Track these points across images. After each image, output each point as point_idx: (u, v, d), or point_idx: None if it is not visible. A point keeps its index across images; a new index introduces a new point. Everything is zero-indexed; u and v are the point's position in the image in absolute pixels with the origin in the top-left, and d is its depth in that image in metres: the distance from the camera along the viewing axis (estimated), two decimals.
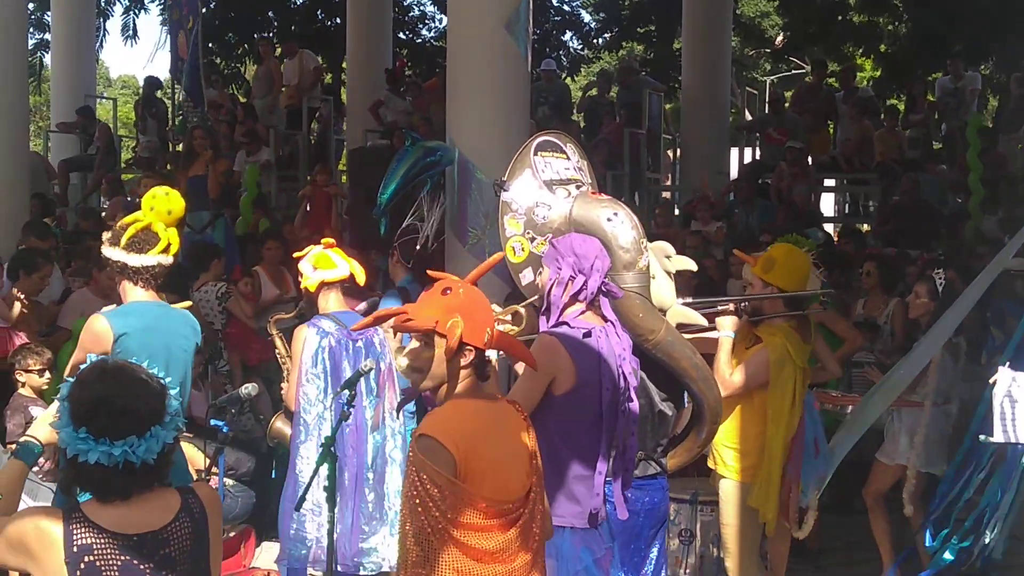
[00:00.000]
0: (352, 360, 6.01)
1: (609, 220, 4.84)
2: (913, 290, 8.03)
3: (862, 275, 9.53)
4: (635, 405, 4.54)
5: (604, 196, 5.08)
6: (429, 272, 3.90)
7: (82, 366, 5.08)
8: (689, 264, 5.53)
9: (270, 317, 6.87)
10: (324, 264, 6.11)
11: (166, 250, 5.21)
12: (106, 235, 5.30)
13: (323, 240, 6.27)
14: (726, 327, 6.09)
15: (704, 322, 5.65)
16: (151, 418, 3.08)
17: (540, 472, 3.73)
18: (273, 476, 7.36)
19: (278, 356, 6.57)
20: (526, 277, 5.00)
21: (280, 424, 6.36)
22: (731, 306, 6.17)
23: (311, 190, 13.89)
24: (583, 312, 4.53)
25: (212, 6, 25.96)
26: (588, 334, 4.45)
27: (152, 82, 19.22)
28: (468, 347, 3.60)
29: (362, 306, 6.85)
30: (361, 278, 6.25)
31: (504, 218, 5.02)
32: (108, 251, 5.22)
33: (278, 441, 6.50)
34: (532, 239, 4.96)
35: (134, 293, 5.23)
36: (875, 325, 9.15)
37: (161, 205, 5.23)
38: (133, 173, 16.29)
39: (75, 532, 3.00)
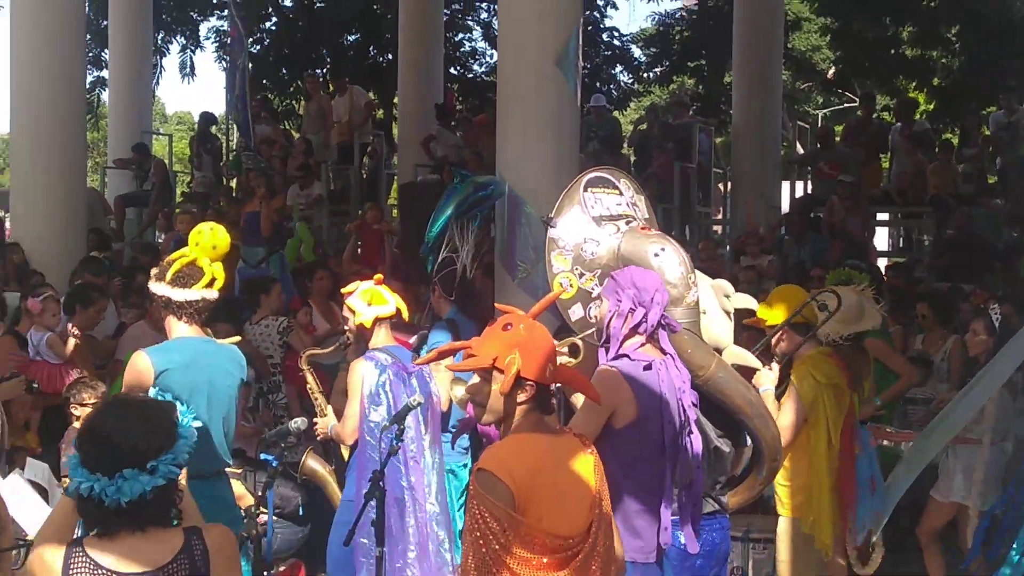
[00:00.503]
0: (408, 392, 6.00)
1: (656, 255, 4.84)
2: (970, 328, 7.93)
3: (917, 317, 9.42)
4: (697, 439, 4.52)
5: (653, 231, 5.08)
6: (497, 305, 3.91)
7: None
8: (750, 302, 5.52)
9: (302, 352, 6.90)
10: (377, 300, 6.14)
11: (211, 284, 5.23)
12: (153, 270, 5.35)
13: (375, 277, 6.30)
14: (765, 382, 6.10)
15: (758, 364, 5.63)
16: (128, 461, 3.04)
17: (606, 509, 3.70)
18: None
19: (309, 391, 6.57)
20: (575, 313, 5.00)
21: (311, 461, 6.37)
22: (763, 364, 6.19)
23: (359, 226, 13.90)
24: (642, 345, 4.52)
25: (266, 43, 26.31)
26: (649, 366, 4.43)
27: (207, 118, 19.46)
28: (528, 382, 3.62)
29: (412, 340, 6.87)
30: (407, 314, 6.30)
31: (551, 254, 5.03)
32: (154, 286, 5.27)
33: (308, 477, 6.50)
34: (580, 275, 4.96)
35: (178, 328, 5.24)
36: (928, 360, 9.05)
37: (206, 240, 5.24)
38: (187, 208, 16.44)
39: (72, 566, 3.04)
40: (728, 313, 5.35)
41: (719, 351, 5.11)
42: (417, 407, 5.32)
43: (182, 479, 3.34)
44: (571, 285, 4.97)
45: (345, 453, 6.42)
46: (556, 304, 5.02)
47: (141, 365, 5.13)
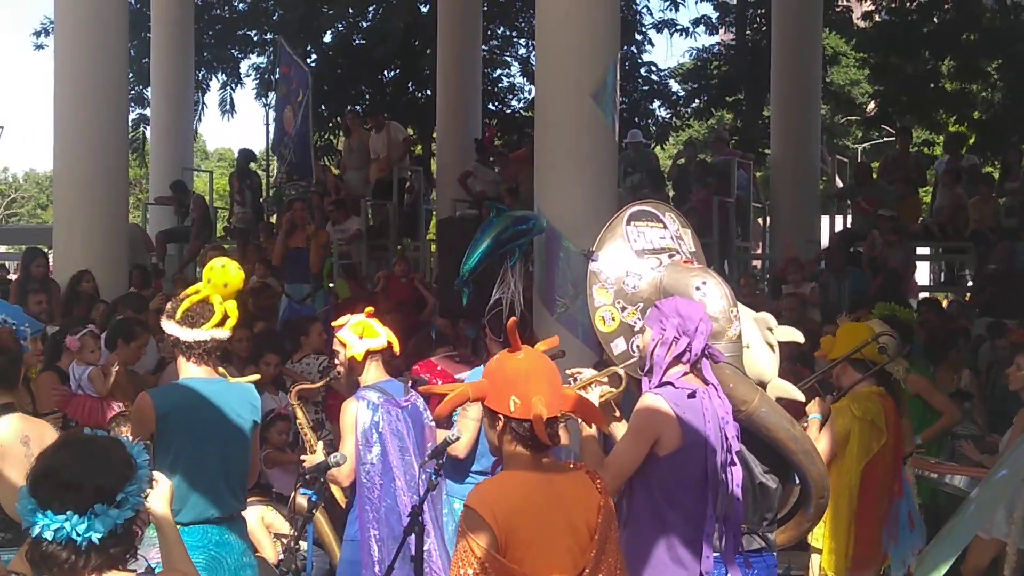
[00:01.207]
0: (406, 427, 5.92)
1: (698, 288, 4.82)
2: (1014, 362, 7.85)
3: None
4: (738, 471, 4.48)
5: (695, 265, 5.07)
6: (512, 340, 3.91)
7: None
8: (795, 335, 5.49)
9: (291, 387, 6.83)
10: (369, 333, 5.99)
11: (222, 323, 5.09)
12: (168, 305, 5.21)
13: (365, 309, 6.19)
14: (815, 411, 6.08)
15: (802, 397, 5.61)
16: (98, 496, 2.98)
17: (608, 555, 3.66)
18: None
19: (299, 427, 6.47)
20: (618, 347, 4.98)
21: (301, 499, 6.33)
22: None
23: (387, 276, 13.57)
24: (685, 374, 4.51)
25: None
26: (693, 394, 4.42)
27: (246, 154, 19.61)
28: (497, 415, 3.65)
29: (466, 373, 6.86)
30: (397, 347, 6.13)
31: (593, 288, 5.02)
32: (164, 323, 5.13)
33: (299, 515, 6.46)
34: (623, 308, 4.94)
35: (186, 369, 5.12)
36: (966, 395, 8.99)
37: (217, 278, 5.09)
38: (229, 244, 16.57)
39: None
40: (772, 346, 5.31)
41: (763, 385, 5.07)
42: (456, 440, 5.27)
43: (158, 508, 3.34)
44: (613, 319, 4.95)
45: (336, 492, 6.36)
46: (599, 338, 5.01)
47: (143, 407, 5.05)
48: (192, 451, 4.89)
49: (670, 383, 4.46)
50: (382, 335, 6.01)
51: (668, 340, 4.49)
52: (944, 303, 14.51)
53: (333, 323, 6.24)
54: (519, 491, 3.60)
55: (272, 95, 27.40)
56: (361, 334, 5.97)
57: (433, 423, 6.15)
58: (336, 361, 6.13)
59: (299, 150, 15.43)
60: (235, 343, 8.91)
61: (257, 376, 5.81)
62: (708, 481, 4.38)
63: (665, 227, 5.19)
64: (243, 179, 18.00)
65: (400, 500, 5.76)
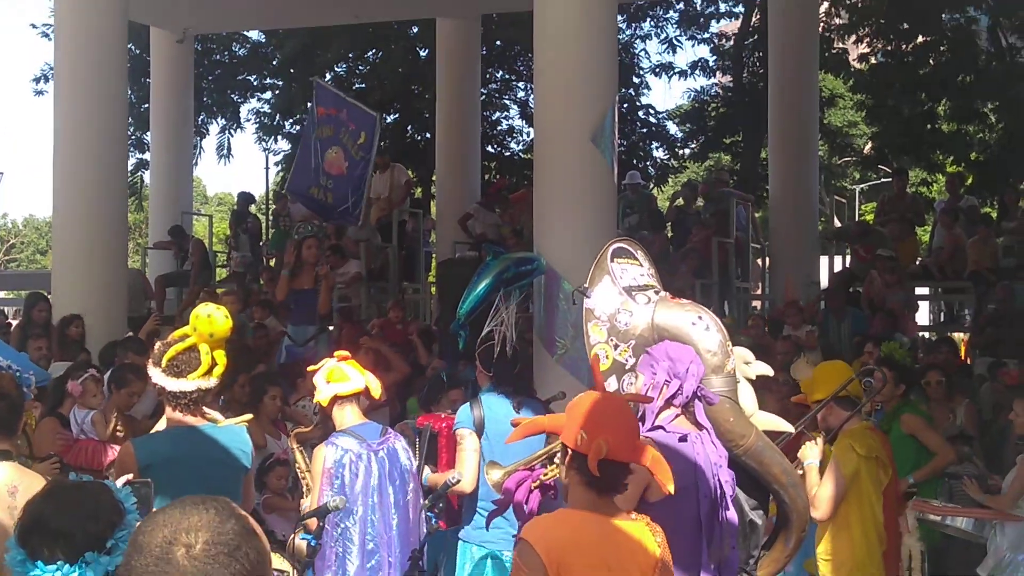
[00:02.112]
0: (379, 471, 5.86)
1: (694, 324, 4.80)
2: (1014, 408, 7.85)
3: (926, 384, 9.34)
4: (733, 515, 4.46)
5: (685, 300, 5.06)
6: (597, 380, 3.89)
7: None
8: (767, 370, 5.47)
9: (291, 432, 6.79)
10: (337, 377, 5.96)
11: (209, 372, 4.93)
12: (154, 348, 5.06)
13: (336, 353, 6.15)
14: (810, 455, 6.05)
15: (790, 428, 5.59)
16: (88, 543, 2.95)
17: None
18: None
19: (297, 470, 6.45)
20: (610, 385, 4.95)
21: (300, 543, 6.27)
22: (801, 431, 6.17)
23: (382, 324, 13.30)
24: (676, 416, 4.48)
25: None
26: (684, 439, 4.39)
27: (246, 197, 19.64)
28: (566, 447, 3.65)
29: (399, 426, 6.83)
30: (376, 392, 6.06)
31: (588, 325, 5.00)
32: (150, 370, 5.00)
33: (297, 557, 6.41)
34: (615, 346, 4.92)
35: (172, 417, 4.99)
36: (969, 437, 8.96)
37: (203, 327, 4.91)
38: (227, 287, 16.54)
39: None
40: (749, 380, 5.31)
41: None
42: (456, 483, 5.22)
43: None
44: (607, 357, 4.93)
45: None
46: (592, 374, 5.00)
47: (125, 456, 4.94)
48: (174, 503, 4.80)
49: (661, 427, 4.43)
50: (355, 379, 5.96)
51: (659, 383, 4.48)
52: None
53: (308, 368, 6.21)
54: (573, 527, 3.60)
55: (276, 139, 27.61)
56: (328, 378, 5.94)
57: (414, 466, 6.13)
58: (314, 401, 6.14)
59: (341, 191, 15.08)
60: (236, 388, 8.88)
61: (249, 417, 5.69)
62: (702, 527, 4.35)
63: (641, 264, 5.18)
64: (240, 223, 18.02)
65: (355, 542, 5.71)
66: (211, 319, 4.91)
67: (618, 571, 3.59)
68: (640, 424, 4.55)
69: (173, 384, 4.86)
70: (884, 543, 6.24)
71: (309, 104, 16.07)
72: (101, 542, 2.96)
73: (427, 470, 6.62)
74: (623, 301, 4.95)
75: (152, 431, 4.96)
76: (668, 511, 4.30)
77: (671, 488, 3.84)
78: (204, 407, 5.03)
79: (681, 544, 4.32)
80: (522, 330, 9.88)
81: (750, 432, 4.81)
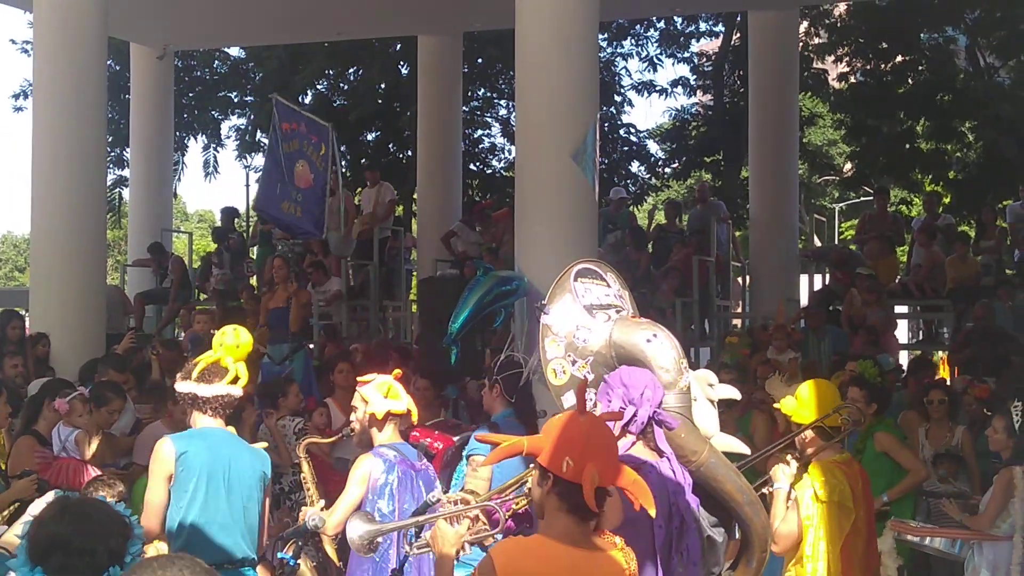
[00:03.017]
0: (415, 490, 5.96)
1: (648, 341, 4.78)
2: (991, 425, 7.87)
3: (929, 402, 9.37)
4: (695, 542, 4.42)
5: (643, 319, 5.06)
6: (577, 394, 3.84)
7: (154, 499, 5.09)
8: (733, 393, 5.47)
9: (301, 440, 6.81)
10: (393, 395, 6.08)
11: (235, 381, 5.40)
12: (179, 373, 5.53)
13: (394, 372, 6.25)
14: (780, 479, 6.01)
15: (747, 450, 5.59)
16: (110, 558, 3.01)
17: None
18: None
19: (303, 480, 6.51)
20: (567, 400, 4.93)
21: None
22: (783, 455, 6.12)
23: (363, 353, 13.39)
24: (633, 444, 4.44)
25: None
26: (638, 468, 4.36)
27: (229, 212, 19.50)
28: (547, 473, 3.59)
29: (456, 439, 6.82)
30: (416, 417, 6.27)
31: (545, 340, 4.99)
32: (180, 386, 5.44)
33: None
34: (573, 362, 4.91)
35: (202, 420, 5.40)
36: (957, 457, 8.98)
37: (230, 341, 5.50)
38: (207, 305, 16.48)
39: None
40: (712, 402, 5.30)
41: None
42: (436, 503, 5.21)
43: None
44: (564, 372, 4.92)
45: (330, 551, 6.31)
46: (550, 391, 4.99)
47: (163, 450, 5.29)
48: (208, 490, 5.14)
49: None
50: (404, 400, 6.12)
51: (615, 411, 4.45)
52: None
53: (359, 378, 6.32)
54: (540, 560, 3.55)
55: (255, 156, 27.52)
56: (386, 394, 6.06)
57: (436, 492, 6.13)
58: (353, 417, 6.17)
59: (309, 205, 15.17)
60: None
61: (265, 444, 5.95)
62: (657, 555, 4.31)
63: (608, 285, 5.19)
64: (222, 240, 17.94)
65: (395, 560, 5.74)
66: (237, 333, 5.54)
67: None
68: None
69: (205, 390, 5.37)
70: None
71: (272, 121, 16.05)
72: (119, 557, 3.03)
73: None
74: (583, 319, 4.94)
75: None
76: (624, 539, 4.29)
77: (652, 512, 3.82)
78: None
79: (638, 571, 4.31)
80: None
81: (702, 448, 4.77)
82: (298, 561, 4.87)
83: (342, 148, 26.66)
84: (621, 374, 4.57)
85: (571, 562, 3.57)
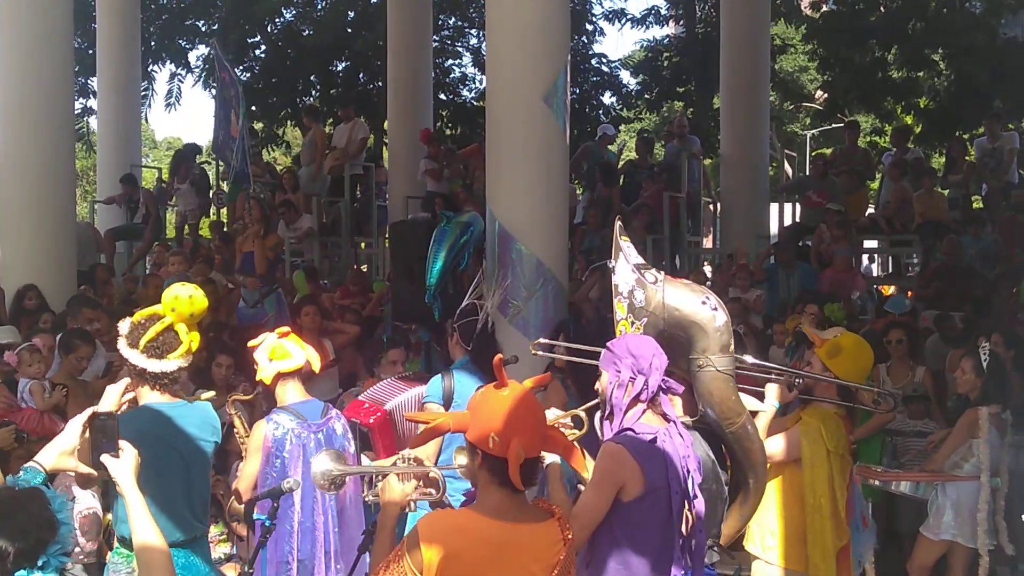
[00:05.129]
0: (315, 450, 5.88)
1: (704, 303, 4.85)
2: (960, 366, 7.97)
3: (888, 343, 9.47)
4: (700, 503, 4.50)
5: (686, 280, 5.12)
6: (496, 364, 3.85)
7: None
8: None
9: (228, 397, 6.81)
10: (279, 355, 6.02)
11: (187, 353, 5.05)
12: (123, 328, 5.05)
13: (277, 329, 6.17)
14: (772, 397, 6.04)
15: (765, 407, 5.69)
16: (32, 555, 2.96)
17: None
18: None
19: (237, 436, 6.50)
20: None
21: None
22: (784, 378, 6.13)
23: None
24: (644, 412, 4.50)
25: (256, 71, 26.35)
26: (654, 439, 4.42)
27: (191, 149, 19.30)
28: (476, 448, 3.66)
29: (408, 393, 6.81)
30: (317, 366, 6.14)
31: (615, 300, 5.03)
32: (126, 351, 5.01)
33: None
34: (632, 323, 4.94)
35: (149, 396, 5.04)
36: (926, 398, 9.09)
37: (183, 308, 5.00)
38: (176, 248, 16.30)
39: None
40: None
41: None
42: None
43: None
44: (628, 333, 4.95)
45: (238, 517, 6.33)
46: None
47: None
48: (156, 477, 4.75)
49: (630, 429, 4.45)
50: (296, 355, 6.03)
51: (624, 381, 4.48)
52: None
53: (249, 343, 6.21)
54: (464, 535, 3.59)
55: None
56: (271, 356, 6.00)
57: (352, 446, 6.17)
58: (256, 379, 6.16)
59: (243, 157, 15.30)
60: (221, 369, 8.81)
61: (212, 394, 5.82)
62: (673, 521, 4.40)
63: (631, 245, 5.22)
64: (184, 176, 17.71)
65: (294, 521, 5.82)
66: (192, 299, 5.00)
67: None
68: (607, 422, 4.59)
69: (155, 365, 4.95)
70: (844, 539, 6.25)
71: (223, 72, 16.09)
72: (34, 559, 2.95)
73: (364, 458, 6.59)
74: (636, 278, 4.97)
75: (119, 406, 4.90)
76: (642, 511, 4.36)
77: (587, 475, 3.89)
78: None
79: (653, 540, 4.38)
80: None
81: (743, 415, 4.89)
82: (274, 522, 4.90)
83: (312, 78, 26.57)
84: (628, 343, 4.62)
85: (498, 537, 3.62)
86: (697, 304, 4.85)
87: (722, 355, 4.81)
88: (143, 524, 3.50)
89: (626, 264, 5.03)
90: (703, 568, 4.63)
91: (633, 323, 4.95)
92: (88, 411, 3.76)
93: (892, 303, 11.22)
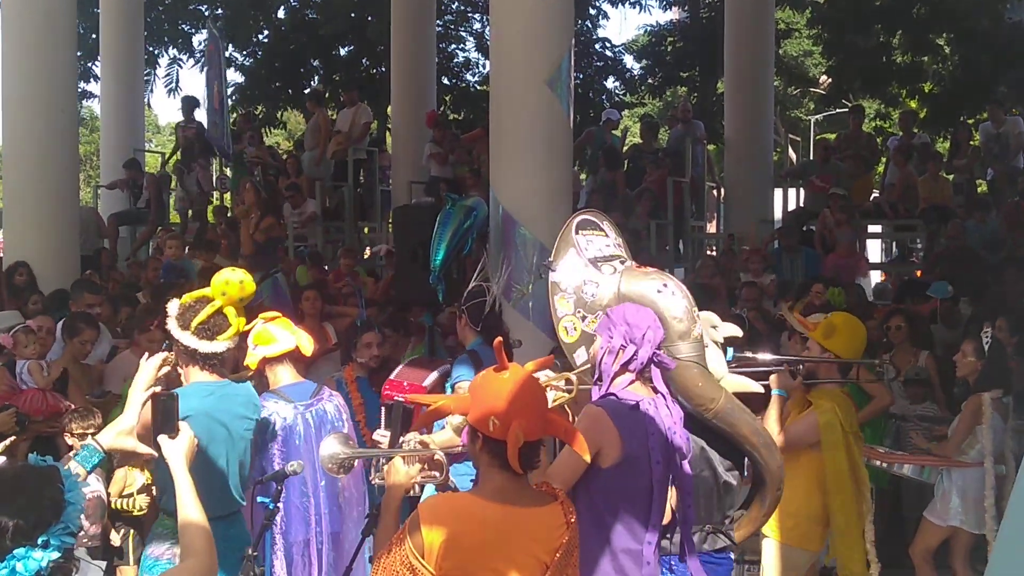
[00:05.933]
0: (304, 431, 5.96)
1: (659, 292, 4.80)
2: (960, 349, 7.97)
3: (889, 329, 9.47)
4: (688, 478, 4.50)
5: (650, 268, 5.07)
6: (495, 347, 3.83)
7: None
8: (735, 331, 5.50)
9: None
10: (263, 340, 6.05)
11: (235, 335, 5.26)
12: (172, 309, 5.22)
13: (262, 315, 6.19)
14: (780, 386, 6.08)
15: (760, 389, 5.66)
16: (31, 533, 2.93)
17: None
18: None
19: None
20: (580, 356, 4.93)
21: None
22: (785, 368, 6.18)
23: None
24: (632, 382, 4.48)
25: (259, 55, 26.30)
26: (636, 406, 4.41)
27: (189, 101, 19.11)
28: (477, 432, 3.66)
29: (434, 375, 6.82)
30: (308, 349, 6.15)
31: (554, 298, 4.99)
32: (177, 333, 5.17)
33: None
34: (583, 318, 4.92)
35: (196, 375, 5.23)
36: (927, 382, 9.09)
37: (234, 292, 5.22)
38: (174, 230, 16.30)
39: None
40: (717, 344, 5.34)
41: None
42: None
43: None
44: (575, 329, 4.92)
45: None
46: (563, 349, 5.01)
47: None
48: (204, 453, 4.97)
49: (613, 395, 4.45)
50: (283, 339, 6.06)
51: (615, 348, 4.46)
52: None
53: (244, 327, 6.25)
54: (465, 519, 3.59)
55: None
56: (255, 341, 6.05)
57: (347, 425, 6.17)
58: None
59: (220, 126, 15.36)
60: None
61: (248, 374, 5.87)
62: (652, 492, 4.40)
63: (607, 235, 5.19)
64: (190, 162, 17.66)
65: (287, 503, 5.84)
66: (243, 285, 5.25)
67: (506, 566, 3.61)
68: (596, 387, 4.59)
69: (207, 347, 5.15)
70: (869, 515, 6.31)
71: (211, 44, 16.20)
72: (33, 537, 2.92)
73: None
74: (589, 273, 4.95)
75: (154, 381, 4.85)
76: (620, 477, 4.35)
77: (587, 457, 3.91)
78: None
79: (630, 508, 4.38)
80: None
81: (719, 395, 4.85)
82: (277, 504, 4.92)
83: (315, 62, 26.51)
84: (626, 311, 4.60)
85: (500, 520, 3.62)
86: (653, 292, 4.80)
87: (682, 342, 4.76)
88: (189, 504, 3.67)
89: (577, 260, 5.01)
90: (692, 541, 4.64)
91: (585, 317, 4.93)
92: (149, 391, 3.81)
93: (935, 288, 11.17)
